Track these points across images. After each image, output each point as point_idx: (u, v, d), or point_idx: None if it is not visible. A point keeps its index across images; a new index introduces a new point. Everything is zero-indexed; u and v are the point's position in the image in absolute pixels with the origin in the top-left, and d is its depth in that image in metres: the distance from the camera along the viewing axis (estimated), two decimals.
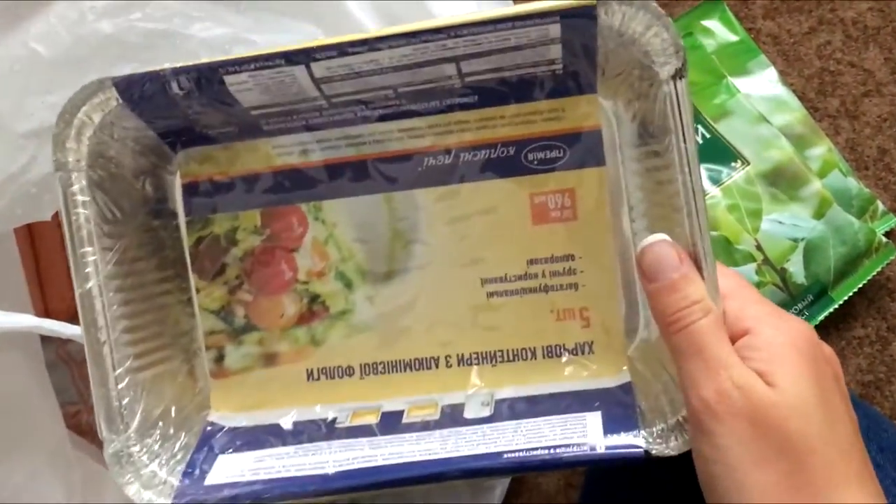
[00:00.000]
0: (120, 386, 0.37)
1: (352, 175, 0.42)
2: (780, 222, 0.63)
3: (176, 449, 0.39)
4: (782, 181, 0.63)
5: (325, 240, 0.42)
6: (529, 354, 0.41)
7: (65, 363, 0.66)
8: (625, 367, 0.40)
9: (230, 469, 0.38)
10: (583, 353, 0.41)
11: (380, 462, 0.37)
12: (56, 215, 0.45)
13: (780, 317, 0.33)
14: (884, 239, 0.65)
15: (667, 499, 0.44)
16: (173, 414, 0.40)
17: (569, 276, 0.41)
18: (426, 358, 0.42)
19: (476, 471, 0.36)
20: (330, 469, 0.37)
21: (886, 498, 0.32)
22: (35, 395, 0.49)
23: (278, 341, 0.42)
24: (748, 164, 0.64)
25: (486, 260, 0.42)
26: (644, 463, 0.35)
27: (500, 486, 0.68)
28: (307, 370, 0.42)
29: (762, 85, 0.67)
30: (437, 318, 0.42)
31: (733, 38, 0.68)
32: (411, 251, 0.42)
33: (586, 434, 0.36)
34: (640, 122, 0.39)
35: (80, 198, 0.37)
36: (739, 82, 0.66)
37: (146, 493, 0.37)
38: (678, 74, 0.35)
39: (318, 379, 0.42)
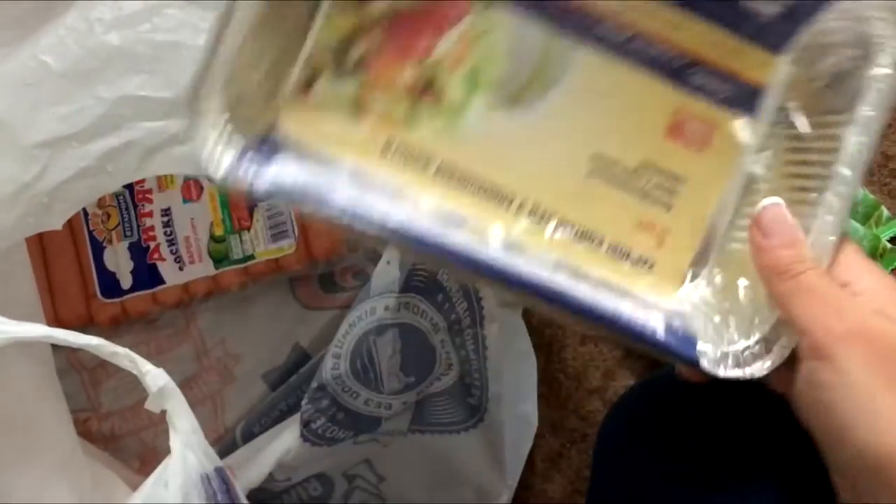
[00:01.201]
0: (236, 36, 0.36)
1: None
2: None
3: (235, 128, 0.37)
4: None
5: (477, 35, 0.41)
6: (597, 241, 0.41)
7: (76, 370, 0.67)
8: (675, 299, 0.41)
9: (299, 168, 0.38)
10: (642, 266, 0.41)
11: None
12: (67, 226, 0.46)
13: (876, 269, 0.37)
14: (888, 245, 0.65)
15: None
16: (250, 95, 0.38)
17: (668, 195, 0.42)
18: (505, 192, 0.41)
19: (540, 287, 0.37)
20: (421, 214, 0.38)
21: None
22: (46, 403, 0.49)
23: (376, 98, 0.40)
24: None
25: (607, 141, 0.41)
26: (696, 367, 0.38)
27: (507, 492, 0.69)
28: (388, 139, 0.40)
29: None
30: (532, 164, 0.41)
31: None
32: (545, 94, 0.41)
33: (648, 319, 0.38)
34: (811, 100, 0.40)
35: None
36: None
37: (211, 139, 0.36)
38: None
39: (393, 153, 0.41)
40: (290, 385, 0.67)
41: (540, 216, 0.41)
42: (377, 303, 0.58)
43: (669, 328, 0.39)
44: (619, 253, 0.41)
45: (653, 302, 0.40)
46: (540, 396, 0.71)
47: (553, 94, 0.41)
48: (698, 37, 0.41)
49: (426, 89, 0.41)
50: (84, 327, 0.64)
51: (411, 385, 0.61)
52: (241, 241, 0.66)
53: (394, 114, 0.41)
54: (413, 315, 0.59)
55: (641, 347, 0.39)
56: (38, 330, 0.40)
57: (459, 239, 0.38)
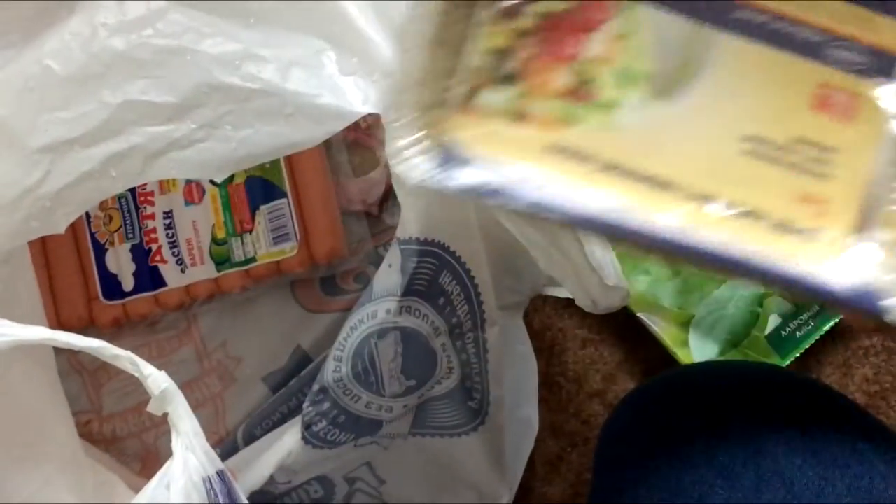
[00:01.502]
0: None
1: None
2: None
3: (420, 144, 0.41)
4: None
5: (622, 35, 0.43)
6: (760, 217, 0.42)
7: (77, 372, 0.67)
8: (845, 262, 0.42)
9: (474, 173, 0.41)
10: (808, 236, 0.42)
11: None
12: (69, 228, 0.46)
13: None
14: None
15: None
16: (425, 111, 0.41)
17: (825, 167, 0.42)
18: (664, 180, 0.42)
19: (724, 259, 0.39)
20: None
21: None
22: (48, 404, 0.50)
23: (535, 103, 0.43)
24: None
25: (755, 121, 0.43)
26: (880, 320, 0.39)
27: (507, 495, 0.69)
28: (548, 141, 0.43)
29: None
30: (687, 150, 0.43)
31: None
32: (692, 83, 0.43)
33: (823, 280, 0.39)
34: None
35: None
36: None
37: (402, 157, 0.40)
38: None
39: (555, 154, 0.43)
40: (291, 388, 0.67)
41: (700, 200, 0.42)
42: (378, 306, 0.59)
43: (846, 286, 0.40)
44: (783, 227, 0.42)
45: (824, 267, 0.41)
46: (540, 400, 0.71)
47: (699, 81, 0.43)
48: (834, 13, 0.43)
49: (580, 90, 0.43)
50: (85, 329, 0.64)
51: (412, 388, 0.61)
52: (242, 243, 0.66)
53: (552, 117, 0.43)
54: (414, 318, 0.59)
55: (819, 303, 0.40)
56: (40, 332, 0.40)
57: (629, 224, 0.41)
